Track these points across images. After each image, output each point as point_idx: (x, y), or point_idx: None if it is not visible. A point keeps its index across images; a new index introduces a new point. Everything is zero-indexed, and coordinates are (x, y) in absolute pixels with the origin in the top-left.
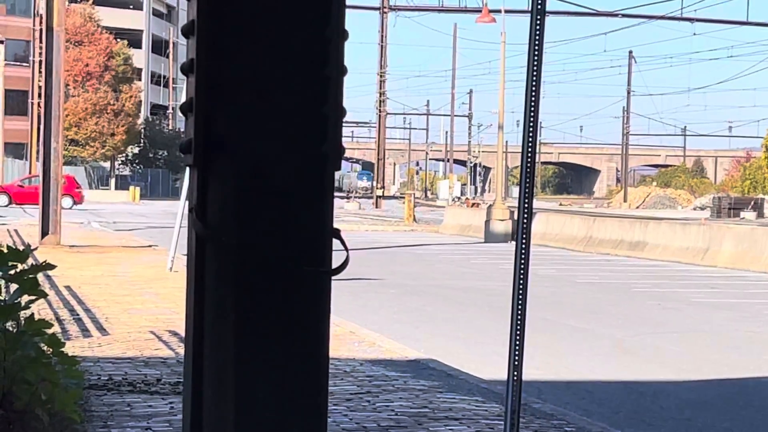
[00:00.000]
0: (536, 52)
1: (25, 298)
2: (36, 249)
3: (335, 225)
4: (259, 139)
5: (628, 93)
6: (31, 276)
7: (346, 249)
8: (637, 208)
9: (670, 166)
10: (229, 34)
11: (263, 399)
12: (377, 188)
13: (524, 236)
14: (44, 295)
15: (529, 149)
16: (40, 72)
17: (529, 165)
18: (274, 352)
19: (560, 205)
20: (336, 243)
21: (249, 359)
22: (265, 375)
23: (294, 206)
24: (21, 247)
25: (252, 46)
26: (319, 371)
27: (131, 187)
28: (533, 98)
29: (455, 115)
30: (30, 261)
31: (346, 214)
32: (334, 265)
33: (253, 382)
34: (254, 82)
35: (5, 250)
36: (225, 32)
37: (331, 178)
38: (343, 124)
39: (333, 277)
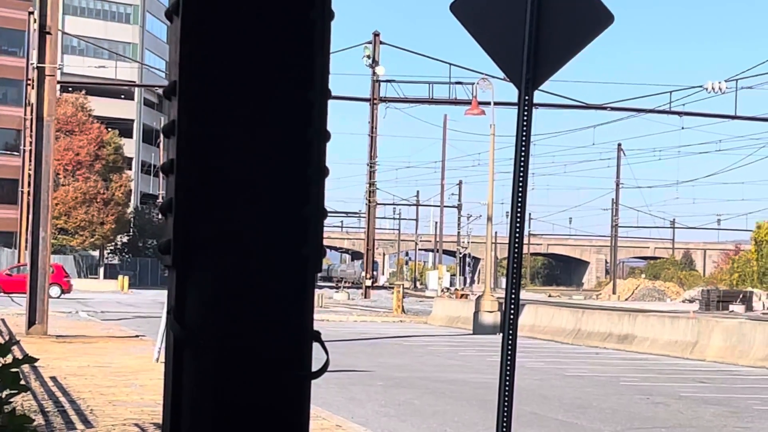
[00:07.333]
0: (523, 144)
1: (6, 392)
2: (21, 340)
3: (325, 316)
4: (239, 241)
5: (617, 185)
6: (12, 370)
7: (326, 353)
8: (626, 300)
9: (659, 258)
10: (210, 135)
11: None
12: (366, 278)
13: (510, 331)
14: (26, 389)
15: (516, 240)
16: (30, 161)
17: (516, 256)
18: None
19: (549, 296)
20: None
21: None
22: None
23: (274, 309)
24: (7, 338)
25: (232, 148)
26: None
27: (120, 276)
28: (520, 189)
29: (445, 206)
30: (17, 353)
31: (335, 304)
32: (315, 367)
33: None
34: (235, 185)
35: None
36: (205, 134)
37: (312, 280)
38: (334, 214)
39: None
